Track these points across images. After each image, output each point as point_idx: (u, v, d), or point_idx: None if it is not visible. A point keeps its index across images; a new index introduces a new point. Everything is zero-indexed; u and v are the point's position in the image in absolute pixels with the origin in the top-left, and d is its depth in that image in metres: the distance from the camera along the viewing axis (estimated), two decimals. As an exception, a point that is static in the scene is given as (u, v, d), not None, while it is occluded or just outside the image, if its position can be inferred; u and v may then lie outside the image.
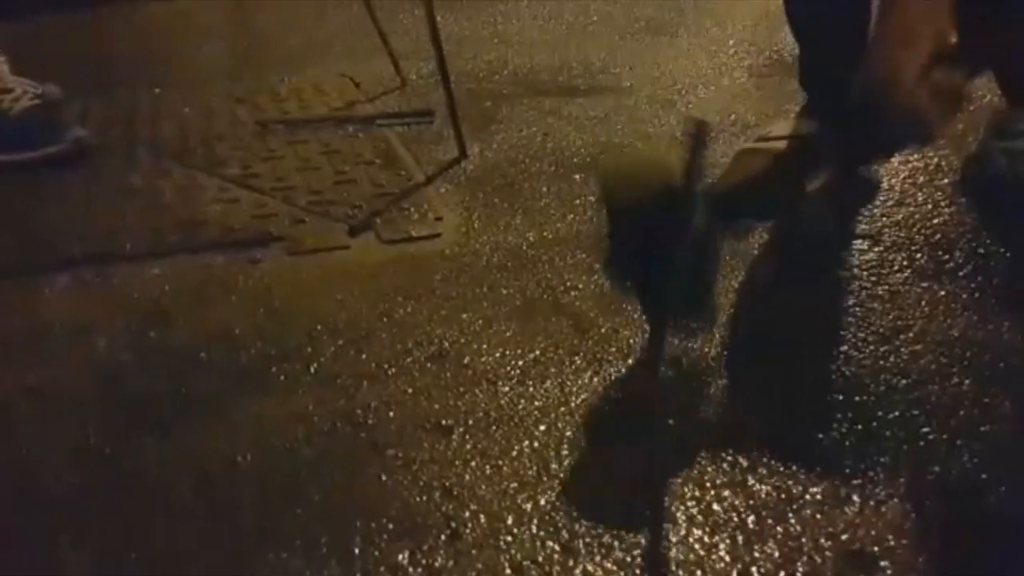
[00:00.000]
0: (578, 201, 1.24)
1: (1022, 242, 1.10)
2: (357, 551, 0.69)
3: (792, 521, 0.70)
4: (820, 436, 0.79)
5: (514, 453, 0.78)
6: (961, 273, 1.03)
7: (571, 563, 0.67)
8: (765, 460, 0.76)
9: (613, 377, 0.88)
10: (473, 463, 0.77)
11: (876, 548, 0.67)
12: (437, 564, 0.67)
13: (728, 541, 0.68)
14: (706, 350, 0.92)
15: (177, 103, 1.69)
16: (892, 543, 0.68)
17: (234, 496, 0.75)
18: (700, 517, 0.71)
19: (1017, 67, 1.21)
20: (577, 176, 1.32)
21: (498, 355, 0.92)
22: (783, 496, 0.72)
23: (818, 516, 0.70)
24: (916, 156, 1.34)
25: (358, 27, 2.07)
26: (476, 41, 2.04)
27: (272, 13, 2.41)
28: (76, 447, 0.81)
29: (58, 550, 0.70)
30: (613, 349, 0.92)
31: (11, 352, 0.97)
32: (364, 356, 0.93)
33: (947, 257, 1.07)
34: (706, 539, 0.68)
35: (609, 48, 1.94)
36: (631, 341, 0.93)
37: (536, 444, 0.79)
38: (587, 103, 1.61)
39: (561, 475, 0.75)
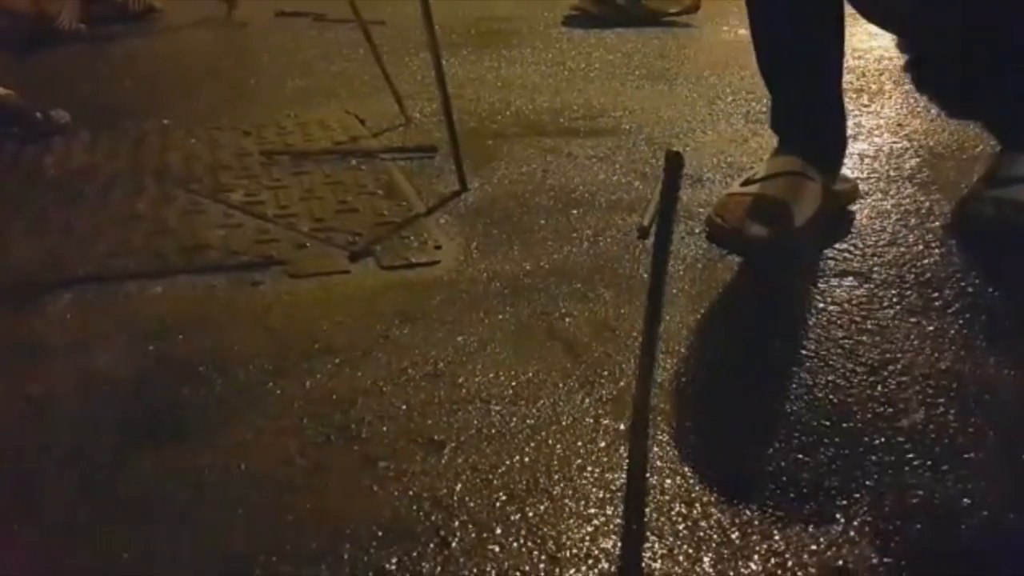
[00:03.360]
0: (575, 234, 1.27)
1: (1008, 283, 1.12)
2: (346, 556, 0.69)
3: (777, 538, 0.71)
4: (808, 459, 0.80)
5: (504, 468, 0.79)
6: (949, 310, 1.05)
7: (557, 572, 0.67)
8: (753, 481, 0.77)
9: (604, 398, 0.89)
10: (464, 476, 0.78)
11: (859, 567, 0.68)
12: (425, 570, 0.68)
13: (713, 556, 0.69)
14: (698, 376, 0.94)
15: (184, 134, 1.72)
16: (875, 562, 0.68)
17: (227, 503, 0.76)
18: (686, 532, 0.71)
19: (1013, 112, 1.24)
20: (575, 211, 1.35)
21: (492, 376, 0.93)
22: (769, 514, 0.73)
23: (803, 535, 0.71)
24: (908, 200, 1.37)
25: (364, 69, 2.13)
26: (480, 84, 2.09)
27: (280, 54, 2.48)
28: (74, 456, 0.82)
29: (55, 555, 0.71)
30: (605, 372, 0.93)
31: (12, 365, 0.98)
32: (360, 374, 0.94)
33: (936, 295, 1.09)
34: (691, 552, 0.69)
35: (609, 93, 1.99)
36: (623, 366, 0.94)
37: (526, 460, 0.80)
38: (587, 143, 1.65)
39: (550, 489, 0.76)
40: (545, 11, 2.98)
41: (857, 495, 0.75)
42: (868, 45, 2.29)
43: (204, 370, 0.95)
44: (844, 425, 0.85)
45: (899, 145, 1.62)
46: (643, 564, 0.68)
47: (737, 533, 0.71)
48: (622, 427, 0.85)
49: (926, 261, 1.18)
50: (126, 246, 1.25)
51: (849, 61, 2.06)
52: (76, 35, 2.61)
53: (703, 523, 0.72)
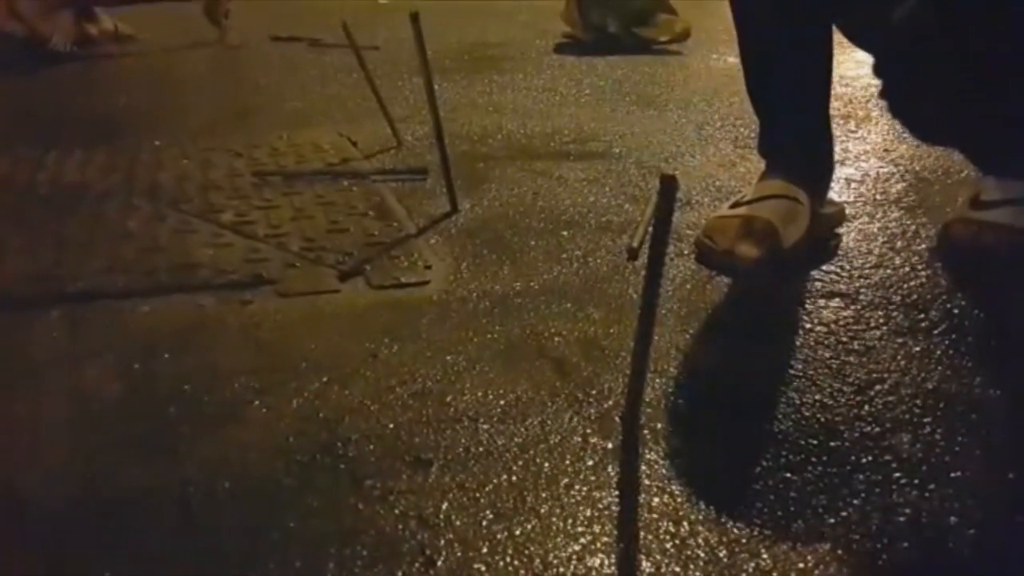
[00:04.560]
0: (565, 255, 1.27)
1: (992, 303, 1.13)
2: None
3: (764, 556, 0.71)
4: (795, 478, 0.80)
5: (491, 487, 0.79)
6: (935, 331, 1.06)
7: (544, 590, 0.67)
8: (741, 500, 0.77)
9: (592, 417, 0.89)
10: (450, 495, 0.78)
11: (847, 585, 0.68)
12: (410, 588, 0.67)
13: (700, 574, 0.69)
14: (685, 395, 0.94)
15: (176, 155, 1.73)
16: (863, 581, 0.68)
17: (212, 520, 0.75)
18: (674, 550, 0.71)
19: (985, 139, 1.26)
20: (565, 232, 1.35)
21: (480, 395, 0.93)
22: (756, 533, 0.73)
23: (791, 553, 0.71)
24: (894, 223, 1.38)
25: (357, 93, 2.15)
26: (471, 108, 2.10)
27: (274, 76, 2.49)
28: (61, 472, 0.82)
29: (40, 572, 0.71)
30: (594, 392, 0.93)
31: (1, 380, 0.97)
32: (348, 392, 0.94)
33: (922, 316, 1.09)
34: (679, 571, 0.69)
35: (600, 118, 2.01)
36: (611, 385, 0.94)
37: (514, 479, 0.80)
38: (577, 167, 1.66)
39: (537, 508, 0.76)
40: (537, 38, 3.02)
41: (844, 513, 0.75)
42: (855, 73, 2.32)
43: (191, 388, 0.95)
44: (831, 444, 0.85)
45: (885, 170, 1.63)
46: (630, 582, 0.68)
47: (725, 551, 0.71)
48: (610, 445, 0.85)
49: (912, 283, 1.18)
50: (116, 264, 1.25)
51: (837, 88, 2.08)
52: (69, 56, 2.63)
53: (691, 541, 0.72)
